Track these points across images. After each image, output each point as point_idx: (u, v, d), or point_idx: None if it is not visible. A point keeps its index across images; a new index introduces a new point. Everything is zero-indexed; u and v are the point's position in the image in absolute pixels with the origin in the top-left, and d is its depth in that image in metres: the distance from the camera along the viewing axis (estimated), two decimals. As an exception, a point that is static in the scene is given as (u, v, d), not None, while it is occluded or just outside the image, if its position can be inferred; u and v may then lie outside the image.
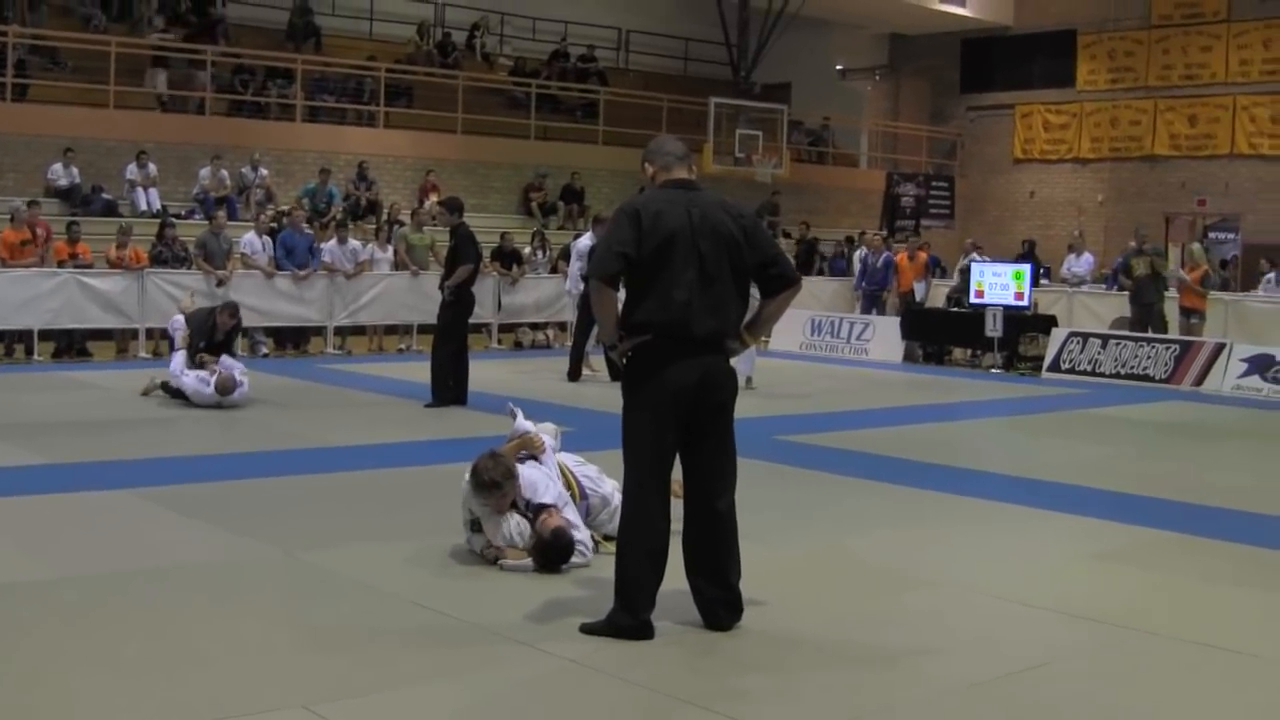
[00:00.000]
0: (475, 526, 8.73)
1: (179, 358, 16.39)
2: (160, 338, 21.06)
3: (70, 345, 21.64)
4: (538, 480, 8.74)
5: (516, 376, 20.24)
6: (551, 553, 8.45)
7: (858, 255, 29.23)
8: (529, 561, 8.45)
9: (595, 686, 6.47)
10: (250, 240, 22.95)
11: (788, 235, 32.63)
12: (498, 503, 8.52)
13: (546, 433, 9.46)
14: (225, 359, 16.58)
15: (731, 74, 33.93)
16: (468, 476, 8.62)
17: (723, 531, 7.25)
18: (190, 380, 16.08)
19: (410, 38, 34.72)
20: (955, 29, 40.15)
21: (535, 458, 8.98)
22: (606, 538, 8.71)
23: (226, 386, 16.04)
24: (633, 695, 6.35)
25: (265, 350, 22.77)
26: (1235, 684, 6.83)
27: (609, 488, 9.23)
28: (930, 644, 7.23)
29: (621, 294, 7.27)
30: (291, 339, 23.76)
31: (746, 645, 7.12)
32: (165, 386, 16.48)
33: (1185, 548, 9.88)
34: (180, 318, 17.21)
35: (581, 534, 8.71)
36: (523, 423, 9.30)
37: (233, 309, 17.82)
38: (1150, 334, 22.75)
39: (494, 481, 8.48)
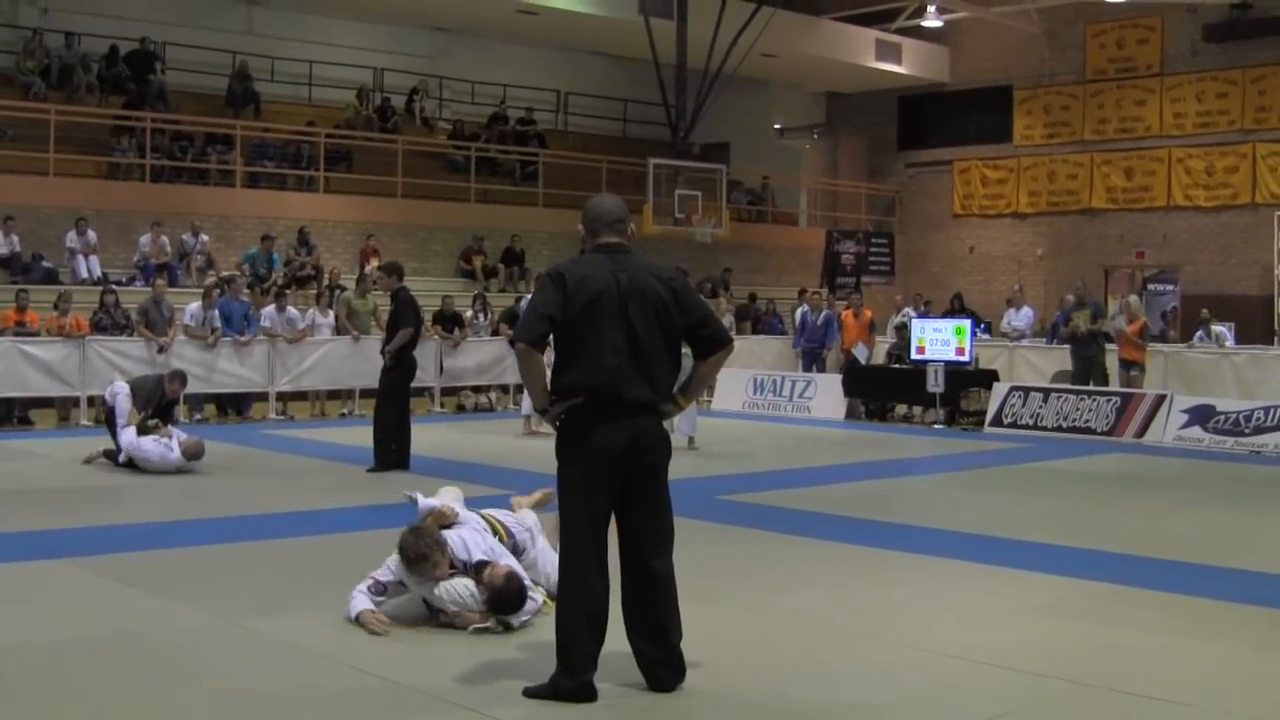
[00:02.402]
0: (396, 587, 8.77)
1: (131, 431, 16.27)
2: (103, 404, 20.96)
3: (11, 414, 21.50)
4: (466, 538, 8.79)
5: (465, 437, 20.18)
6: (508, 599, 8.50)
7: (798, 312, 29.29)
8: (493, 622, 8.47)
9: (538, 750, 6.46)
10: (192, 310, 22.87)
11: (716, 295, 32.50)
12: (431, 573, 8.54)
13: (452, 498, 9.52)
14: (172, 429, 16.59)
15: (670, 135, 33.96)
16: (396, 555, 8.65)
17: (661, 592, 7.25)
18: (151, 445, 16.03)
19: (349, 102, 34.71)
20: (892, 86, 40.39)
21: (450, 526, 8.99)
22: (549, 597, 8.72)
23: (195, 451, 16.05)
24: (576, 758, 6.33)
25: (200, 416, 22.66)
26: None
27: (531, 520, 9.43)
28: (874, 701, 7.23)
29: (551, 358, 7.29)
30: (233, 404, 23.65)
31: (689, 706, 7.11)
32: (108, 454, 16.41)
33: (1129, 600, 9.90)
34: (122, 384, 17.09)
35: (527, 578, 8.78)
36: (426, 502, 9.34)
37: (182, 378, 17.80)
38: (1091, 387, 22.86)
39: (421, 555, 8.53)
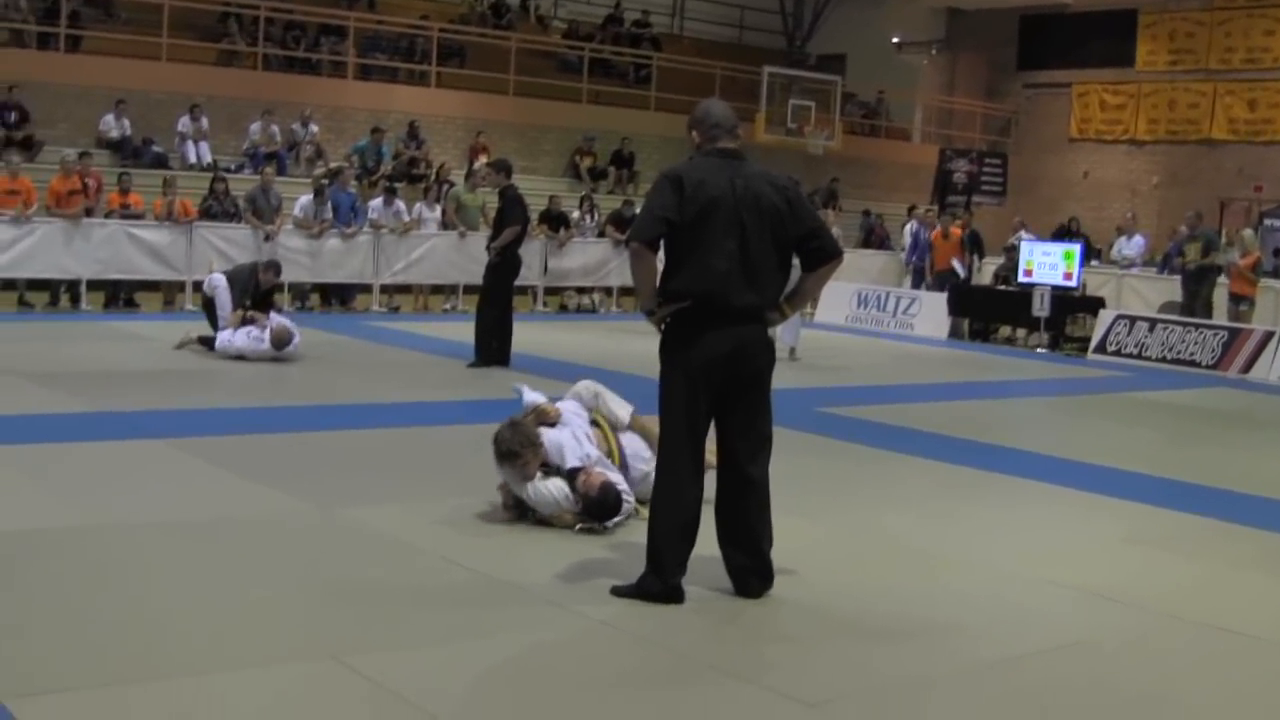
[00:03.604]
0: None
1: (227, 332, 16.39)
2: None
3: (117, 296, 21.73)
4: (563, 443, 8.74)
5: (567, 336, 20.19)
6: (604, 508, 8.53)
7: (908, 229, 29.10)
8: (597, 524, 8.54)
9: (622, 649, 6.49)
10: (303, 203, 23.01)
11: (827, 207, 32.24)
12: (522, 470, 8.54)
13: (589, 393, 9.44)
14: (274, 315, 16.70)
15: (786, 44, 33.85)
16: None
17: (755, 500, 7.24)
18: (242, 339, 16.15)
19: (464, -3, 34.73)
20: (1014, 5, 39.72)
21: (553, 425, 8.97)
22: (641, 502, 8.69)
23: (283, 338, 16.15)
24: (659, 659, 6.35)
25: (304, 305, 22.82)
26: (1260, 672, 6.79)
27: (649, 454, 9.15)
28: (958, 620, 7.21)
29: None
30: (338, 295, 23.77)
31: (775, 614, 7.13)
32: (202, 340, 16.54)
33: (1220, 534, 9.82)
34: (219, 276, 17.15)
35: (622, 482, 8.78)
36: (530, 395, 9.30)
37: (277, 267, 17.84)
38: (1198, 320, 22.56)
39: (512, 451, 8.52)
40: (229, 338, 16.27)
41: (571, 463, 8.66)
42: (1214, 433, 15.75)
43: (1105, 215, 36.49)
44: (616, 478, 8.77)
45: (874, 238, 31.87)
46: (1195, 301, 23.17)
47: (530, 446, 8.55)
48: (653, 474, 8.73)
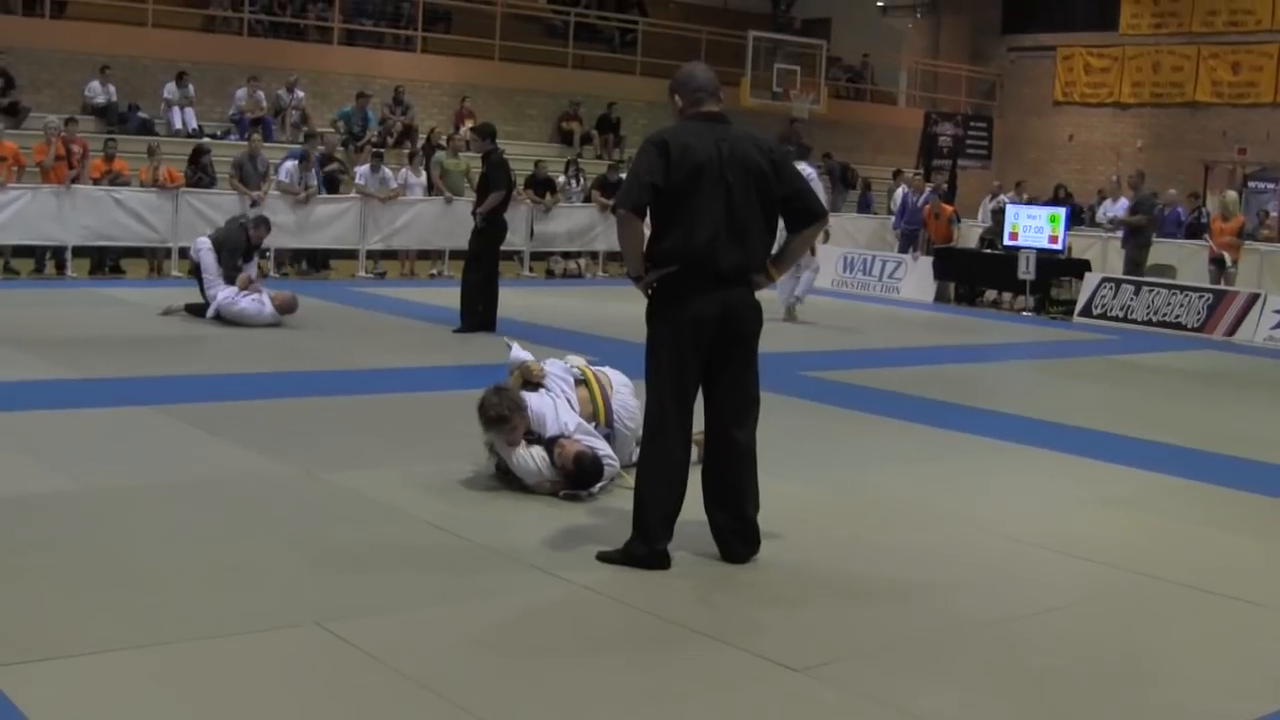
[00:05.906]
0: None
1: (231, 290, 16.35)
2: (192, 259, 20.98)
3: (103, 262, 21.68)
4: (544, 412, 8.74)
5: (553, 301, 20.20)
6: (582, 479, 8.53)
7: (899, 193, 29.06)
8: (584, 492, 8.54)
9: (608, 614, 6.50)
10: (288, 168, 22.91)
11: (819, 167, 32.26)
12: (509, 436, 8.57)
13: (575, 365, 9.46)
14: (262, 285, 16.74)
15: (771, 8, 33.76)
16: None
17: (742, 464, 7.27)
18: (247, 303, 16.15)
19: (450, -38, 34.61)
20: (999, -32, 39.82)
21: (537, 386, 8.98)
22: (626, 468, 8.71)
23: (288, 305, 16.21)
24: (646, 624, 6.37)
25: (283, 270, 22.79)
26: (1240, 632, 6.83)
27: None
28: (943, 582, 7.25)
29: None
30: (324, 261, 23.72)
31: (761, 578, 7.15)
32: (190, 308, 16.52)
33: (1206, 497, 9.85)
34: (204, 239, 17.07)
35: (602, 447, 8.76)
36: (518, 353, 9.27)
37: (266, 223, 17.83)
38: (1184, 282, 22.55)
39: (500, 416, 8.55)
40: (233, 297, 16.23)
41: (551, 431, 8.68)
42: (1198, 395, 15.82)
43: (1090, 178, 36.55)
44: (594, 443, 8.77)
45: (849, 176, 31.75)
46: (1134, 259, 23.27)
47: (517, 410, 8.58)
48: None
